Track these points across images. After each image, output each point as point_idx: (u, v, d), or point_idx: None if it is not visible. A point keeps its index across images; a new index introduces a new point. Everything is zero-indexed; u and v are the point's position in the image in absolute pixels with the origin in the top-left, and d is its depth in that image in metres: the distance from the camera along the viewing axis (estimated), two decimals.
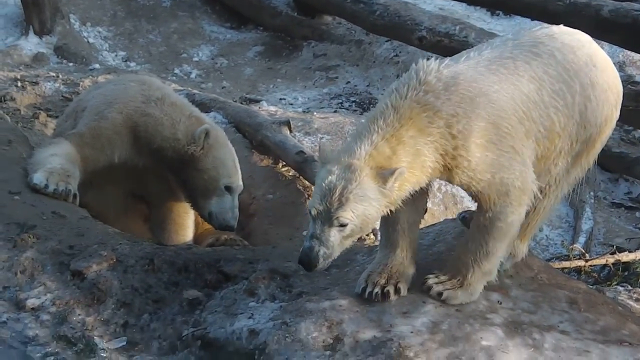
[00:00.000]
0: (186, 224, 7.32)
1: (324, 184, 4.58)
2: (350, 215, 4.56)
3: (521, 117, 4.91)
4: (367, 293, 5.00)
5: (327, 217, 4.58)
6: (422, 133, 4.66)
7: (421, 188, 4.89)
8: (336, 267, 5.61)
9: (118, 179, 7.14)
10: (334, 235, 4.62)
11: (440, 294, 5.04)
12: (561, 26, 5.34)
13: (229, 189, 6.88)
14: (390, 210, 4.82)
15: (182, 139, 6.85)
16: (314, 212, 4.60)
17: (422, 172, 4.71)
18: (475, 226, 5.05)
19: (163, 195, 7.19)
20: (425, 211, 5.34)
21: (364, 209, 4.59)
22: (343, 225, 4.59)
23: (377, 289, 4.98)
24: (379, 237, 7.14)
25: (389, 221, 5.04)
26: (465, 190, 4.94)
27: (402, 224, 5.04)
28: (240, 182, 7.08)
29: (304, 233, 7.37)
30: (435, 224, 5.64)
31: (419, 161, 4.68)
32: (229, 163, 6.92)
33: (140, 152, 6.99)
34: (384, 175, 4.57)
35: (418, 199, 5.02)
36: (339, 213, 4.56)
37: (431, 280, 5.07)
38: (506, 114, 4.85)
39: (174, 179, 7.08)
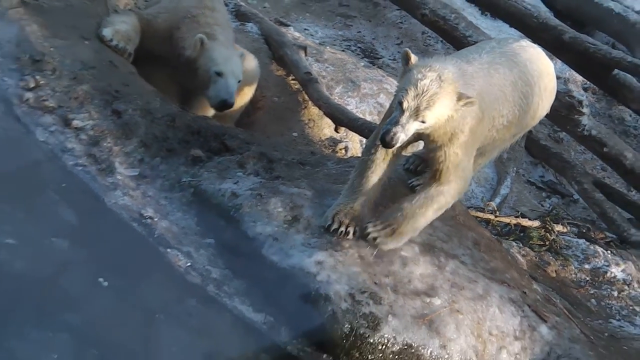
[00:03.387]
0: (208, 106, 7.28)
1: (419, 84, 4.39)
2: (432, 116, 4.42)
3: (499, 112, 4.97)
4: (332, 229, 4.84)
5: (415, 112, 4.38)
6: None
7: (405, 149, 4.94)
8: (310, 165, 5.63)
9: (161, 65, 7.09)
10: (414, 126, 4.45)
11: (374, 239, 4.84)
12: (526, 41, 5.44)
13: (219, 73, 6.78)
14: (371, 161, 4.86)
15: (187, 46, 6.84)
16: (405, 104, 4.39)
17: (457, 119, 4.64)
18: (423, 193, 4.89)
19: (195, 84, 7.12)
20: None
21: (441, 113, 4.46)
22: (423, 122, 4.44)
23: (342, 228, 4.82)
24: (348, 153, 7.23)
25: (366, 172, 4.90)
26: (438, 161, 4.81)
27: (374, 178, 4.90)
28: (235, 70, 6.89)
29: (294, 134, 7.42)
30: None
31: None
32: (218, 56, 6.79)
33: (172, 53, 6.98)
34: (461, 95, 4.47)
35: (398, 157, 5.01)
36: (426, 112, 4.40)
37: (371, 229, 4.85)
38: (494, 109, 4.90)
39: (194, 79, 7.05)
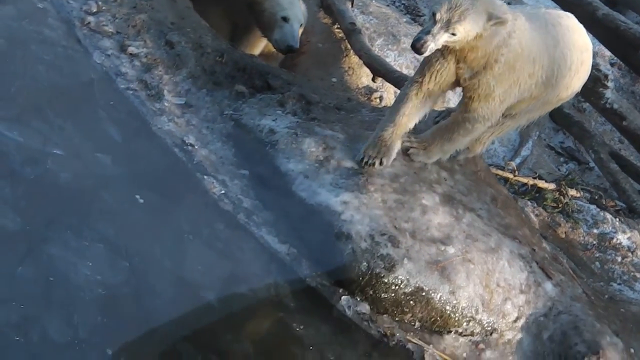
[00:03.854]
0: (257, 45, 7.17)
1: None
2: (462, 29, 4.37)
3: (540, 61, 4.81)
4: (362, 162, 4.82)
5: (446, 24, 4.34)
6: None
7: (438, 95, 4.88)
8: (345, 111, 5.54)
9: (219, 4, 6.95)
10: (444, 38, 4.38)
11: (407, 149, 4.99)
12: (572, 15, 5.21)
13: (285, 19, 6.64)
14: (405, 94, 4.80)
15: None
16: (438, 16, 4.35)
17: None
18: (452, 118, 4.97)
19: (248, 22, 6.99)
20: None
21: (471, 28, 4.39)
22: (454, 35, 4.39)
23: (370, 161, 4.81)
24: (382, 103, 7.09)
25: (398, 105, 4.86)
26: (472, 88, 4.75)
27: (407, 111, 4.82)
28: (299, 15, 6.77)
29: (333, 80, 7.28)
30: None
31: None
32: (284, 1, 6.64)
33: None
34: (492, 14, 4.41)
35: (430, 101, 4.89)
36: (457, 25, 4.35)
37: (405, 140, 4.97)
38: (534, 52, 4.76)
39: (252, 19, 6.90)
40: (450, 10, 4.34)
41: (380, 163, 4.84)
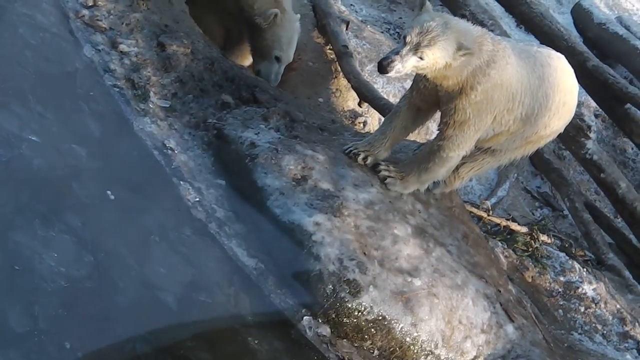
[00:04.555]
0: (247, 56, 7.17)
1: (425, 24, 4.38)
2: (431, 55, 4.40)
3: (521, 98, 4.87)
4: (347, 151, 5.09)
5: (415, 47, 4.37)
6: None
7: (428, 111, 5.01)
8: (328, 132, 5.56)
9: (216, 11, 6.95)
10: (412, 61, 4.41)
11: (384, 178, 5.04)
12: (562, 56, 5.25)
13: (278, 59, 6.74)
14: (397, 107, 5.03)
15: (255, 10, 6.63)
16: (408, 39, 4.39)
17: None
18: (429, 147, 5.03)
19: (242, 31, 7.00)
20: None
21: (440, 56, 4.41)
22: (422, 59, 4.41)
23: (355, 151, 5.07)
24: (365, 128, 7.13)
25: (392, 117, 5.06)
26: (448, 114, 4.79)
27: (398, 124, 5.01)
28: (290, 57, 6.89)
29: (320, 100, 7.31)
30: (405, 140, 5.51)
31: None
32: (284, 40, 6.72)
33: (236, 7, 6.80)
34: (462, 45, 4.43)
35: (422, 116, 5.04)
36: (425, 50, 4.38)
37: (382, 167, 5.07)
38: (514, 88, 4.81)
39: (247, 33, 6.92)
40: (421, 34, 4.39)
41: (364, 159, 5.06)
